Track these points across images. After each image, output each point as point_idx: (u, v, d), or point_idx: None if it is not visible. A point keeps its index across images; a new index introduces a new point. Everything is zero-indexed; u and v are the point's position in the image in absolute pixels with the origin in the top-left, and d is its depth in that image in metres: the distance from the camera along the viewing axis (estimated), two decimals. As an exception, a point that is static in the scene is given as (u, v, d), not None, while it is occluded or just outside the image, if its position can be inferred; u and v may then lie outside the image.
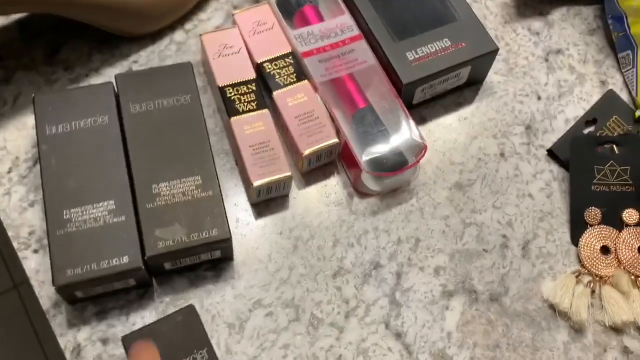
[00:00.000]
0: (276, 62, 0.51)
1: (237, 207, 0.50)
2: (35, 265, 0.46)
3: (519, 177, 0.53)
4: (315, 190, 0.51)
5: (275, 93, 0.50)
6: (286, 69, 0.51)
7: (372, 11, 0.53)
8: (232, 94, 0.50)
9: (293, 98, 0.50)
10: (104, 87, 0.49)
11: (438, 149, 0.53)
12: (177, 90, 0.49)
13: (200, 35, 0.52)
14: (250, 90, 0.50)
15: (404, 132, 0.50)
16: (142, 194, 0.45)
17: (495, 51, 0.52)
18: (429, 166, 0.52)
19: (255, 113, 0.49)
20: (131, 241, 0.44)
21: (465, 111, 0.55)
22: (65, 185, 0.45)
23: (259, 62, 0.51)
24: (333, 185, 0.51)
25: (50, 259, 0.42)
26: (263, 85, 0.51)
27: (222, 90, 0.50)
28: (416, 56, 0.51)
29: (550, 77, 0.57)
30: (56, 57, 0.54)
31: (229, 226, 0.45)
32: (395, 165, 0.49)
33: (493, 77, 0.57)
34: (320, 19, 0.54)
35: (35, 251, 0.47)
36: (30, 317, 1.25)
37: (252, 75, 0.51)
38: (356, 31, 0.53)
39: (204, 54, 0.52)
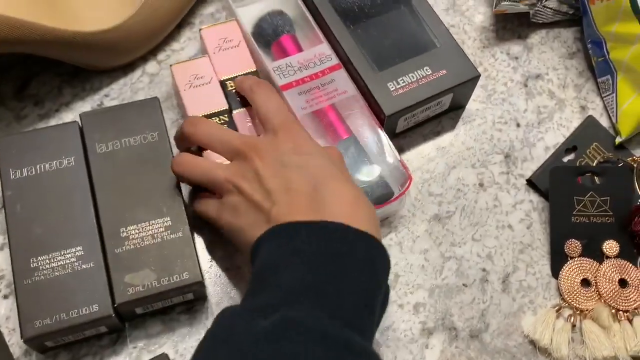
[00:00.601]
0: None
1: (212, 245, 0.49)
2: (5, 312, 0.45)
3: (498, 208, 0.52)
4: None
5: (235, 112, 0.50)
6: None
7: (350, 40, 0.52)
8: None
9: (253, 119, 0.50)
10: (70, 127, 0.47)
11: (417, 179, 0.52)
12: (144, 127, 0.48)
13: (171, 65, 0.51)
14: (223, 122, 0.49)
15: (388, 163, 0.49)
16: (111, 238, 0.44)
17: (476, 77, 0.52)
18: (407, 198, 0.52)
19: None
20: (100, 288, 0.43)
21: (444, 140, 0.54)
22: (31, 232, 0.44)
23: (221, 79, 0.51)
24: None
25: (18, 311, 0.41)
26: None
27: None
28: (397, 86, 0.50)
29: (530, 103, 0.56)
30: (25, 92, 0.53)
31: (200, 269, 0.44)
32: (381, 197, 0.48)
33: (471, 104, 0.56)
34: (299, 48, 0.53)
35: (5, 297, 0.46)
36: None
37: (224, 105, 0.50)
38: (335, 60, 0.52)
39: (174, 85, 0.51)
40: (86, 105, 0.53)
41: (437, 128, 0.55)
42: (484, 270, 0.50)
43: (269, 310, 0.34)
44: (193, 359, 0.34)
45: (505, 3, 0.56)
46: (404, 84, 0.50)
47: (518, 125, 0.55)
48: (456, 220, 0.51)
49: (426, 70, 0.51)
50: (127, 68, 0.54)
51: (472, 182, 0.53)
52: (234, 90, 0.50)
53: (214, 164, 0.45)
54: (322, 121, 0.50)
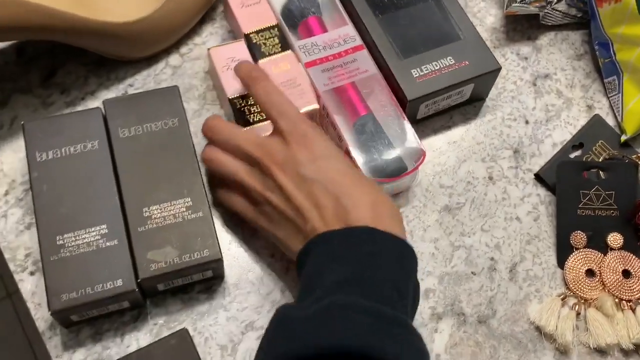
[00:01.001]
0: (262, 34, 0.54)
1: (230, 227, 0.50)
2: (31, 287, 0.47)
3: (507, 201, 0.54)
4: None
5: (260, 61, 0.53)
6: (271, 40, 0.54)
7: (378, 28, 0.55)
8: (242, 104, 0.51)
9: (277, 67, 0.53)
10: (93, 113, 0.49)
11: (428, 172, 0.54)
12: (165, 113, 0.50)
13: (208, 49, 0.54)
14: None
15: (403, 139, 0.51)
16: (134, 218, 0.46)
17: (497, 70, 0.54)
18: (418, 189, 0.53)
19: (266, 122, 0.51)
20: (124, 264, 0.44)
21: (455, 134, 0.56)
22: (57, 211, 0.45)
23: (246, 33, 0.54)
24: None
25: (45, 285, 0.43)
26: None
27: (231, 102, 0.51)
28: (421, 73, 0.53)
29: (538, 102, 0.58)
30: (52, 80, 0.55)
31: (219, 247, 0.46)
32: (395, 171, 0.50)
33: (482, 102, 0.58)
34: (324, 29, 0.56)
35: (32, 273, 0.47)
36: (23, 327, 1.25)
37: None
38: (358, 41, 0.54)
39: (212, 67, 0.54)
40: (111, 94, 0.55)
41: (449, 123, 0.56)
42: (492, 259, 0.51)
43: (316, 301, 0.38)
44: (259, 347, 0.39)
45: (516, 5, 0.58)
46: (428, 71, 0.53)
47: (527, 122, 0.57)
48: (466, 211, 0.53)
49: (449, 60, 0.53)
50: (151, 60, 0.56)
51: (482, 176, 0.54)
52: (258, 43, 0.54)
53: (240, 166, 0.47)
54: (342, 98, 0.53)
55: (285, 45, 0.54)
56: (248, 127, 0.51)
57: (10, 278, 0.48)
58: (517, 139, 0.56)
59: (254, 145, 0.46)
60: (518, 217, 0.53)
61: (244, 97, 0.52)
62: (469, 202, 0.53)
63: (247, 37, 0.54)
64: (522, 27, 0.62)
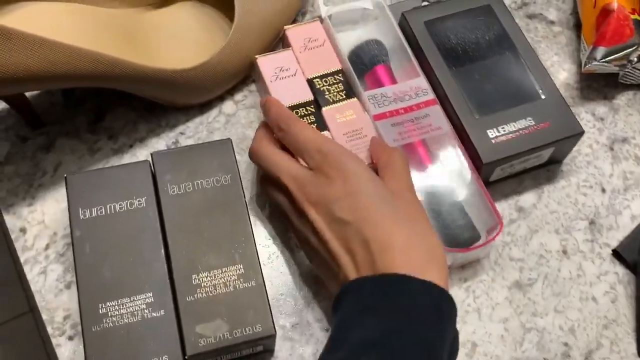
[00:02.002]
0: (326, 79, 0.51)
1: (282, 297, 0.47)
2: (69, 354, 0.44)
3: (582, 278, 0.49)
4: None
5: (324, 109, 0.50)
6: (336, 86, 0.51)
7: (452, 81, 0.51)
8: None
9: (342, 115, 0.50)
10: (141, 166, 0.46)
11: (497, 242, 0.50)
12: (216, 169, 0.46)
13: (256, 57, 0.51)
14: (309, 112, 0.50)
15: (477, 206, 0.48)
16: (182, 286, 0.42)
17: (580, 133, 0.50)
18: (487, 261, 0.49)
19: None
20: (171, 338, 0.41)
21: (526, 201, 0.52)
22: (100, 275, 0.42)
23: (309, 77, 0.51)
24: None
25: (85, 358, 0.39)
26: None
27: None
28: (498, 134, 0.49)
29: (616, 168, 0.54)
30: (100, 125, 0.52)
31: (273, 321, 0.42)
32: (467, 240, 0.47)
33: (555, 165, 0.53)
34: (393, 79, 0.53)
35: (70, 338, 0.44)
36: (44, 342, 1.23)
37: (310, 96, 0.50)
38: (431, 95, 0.51)
39: (260, 77, 0.51)
40: (161, 142, 0.51)
41: (519, 188, 0.52)
42: (566, 344, 0.47)
43: None
44: None
45: (596, 63, 0.53)
46: (505, 132, 0.49)
47: (603, 190, 0.53)
48: (538, 288, 0.48)
49: (529, 120, 0.49)
50: (204, 106, 0.53)
51: (555, 249, 0.50)
52: (322, 88, 0.51)
53: (285, 171, 0.44)
54: (411, 155, 0.49)
55: (349, 93, 0.51)
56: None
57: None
58: (593, 208, 0.52)
59: (290, 179, 0.43)
60: (594, 298, 0.49)
61: (294, 106, 0.50)
62: (541, 278, 0.49)
63: (310, 82, 0.51)
64: (598, 85, 0.58)
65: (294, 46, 0.52)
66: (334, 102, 0.50)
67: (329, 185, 0.42)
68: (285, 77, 0.51)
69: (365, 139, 0.49)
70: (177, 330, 0.41)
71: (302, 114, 0.49)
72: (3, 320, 1.24)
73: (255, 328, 0.42)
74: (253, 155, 0.46)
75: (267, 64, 0.51)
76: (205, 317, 0.42)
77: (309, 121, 0.49)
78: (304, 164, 0.44)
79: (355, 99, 0.51)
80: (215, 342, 0.41)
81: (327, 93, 0.51)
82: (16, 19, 0.45)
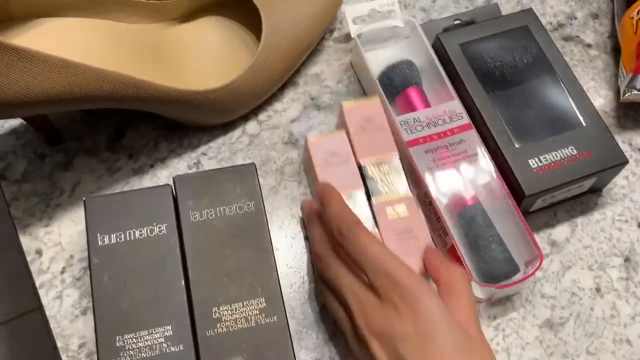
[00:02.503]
0: (381, 167, 0.46)
1: (304, 329, 0.45)
2: (82, 385, 0.42)
3: (616, 319, 0.47)
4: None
5: (375, 201, 0.45)
6: (390, 176, 0.46)
7: (489, 107, 0.49)
8: None
9: (393, 211, 0.45)
10: (162, 191, 0.44)
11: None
12: (239, 195, 0.44)
13: (306, 138, 0.47)
14: None
15: (516, 238, 0.46)
16: (202, 319, 0.41)
17: (624, 163, 0.48)
18: (517, 297, 0.47)
19: None
20: (190, 374, 0.39)
21: (559, 235, 0.50)
22: (118, 305, 0.40)
23: (361, 163, 0.46)
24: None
25: (102, 396, 0.38)
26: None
27: None
28: (540, 164, 0.47)
29: (653, 202, 0.52)
30: (120, 143, 0.50)
31: (295, 359, 0.40)
32: (506, 274, 0.45)
33: (590, 197, 0.51)
34: (426, 102, 0.51)
35: (84, 368, 0.43)
36: (52, 339, 1.23)
37: (360, 187, 0.45)
38: (466, 120, 0.49)
39: (308, 157, 0.47)
40: (182, 162, 0.50)
41: (552, 220, 0.50)
42: (598, 389, 0.45)
43: None
44: None
45: (636, 92, 0.51)
46: (547, 162, 0.47)
47: (639, 225, 0.51)
48: (570, 328, 0.47)
49: (572, 150, 0.48)
50: (228, 126, 0.51)
51: (589, 286, 0.48)
52: (374, 177, 0.46)
53: (348, 288, 0.39)
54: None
55: (404, 185, 0.46)
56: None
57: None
58: (629, 244, 0.50)
59: (354, 299, 0.39)
60: (629, 340, 0.47)
61: None
62: (573, 318, 0.47)
63: (362, 168, 0.46)
64: (635, 114, 0.55)
65: (349, 125, 0.47)
66: (387, 193, 0.45)
67: (396, 319, 0.37)
68: (336, 164, 0.46)
69: (417, 241, 0.44)
70: (196, 366, 0.40)
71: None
72: (12, 317, 1.24)
73: (277, 366, 0.40)
74: (317, 259, 0.42)
75: (318, 147, 0.47)
76: (225, 353, 0.40)
77: None
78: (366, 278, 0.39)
79: (410, 194, 0.45)
80: (235, 380, 0.40)
81: (380, 182, 0.46)
82: (37, 36, 0.44)
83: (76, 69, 0.40)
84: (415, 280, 0.37)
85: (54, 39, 0.44)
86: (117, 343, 0.40)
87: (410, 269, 0.38)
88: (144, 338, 0.40)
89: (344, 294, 0.39)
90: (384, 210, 0.45)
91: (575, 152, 0.48)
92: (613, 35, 0.59)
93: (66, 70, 0.40)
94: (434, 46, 0.53)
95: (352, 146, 0.47)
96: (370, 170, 0.46)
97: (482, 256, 0.45)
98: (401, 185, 0.46)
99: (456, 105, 0.50)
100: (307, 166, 0.49)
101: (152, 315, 0.41)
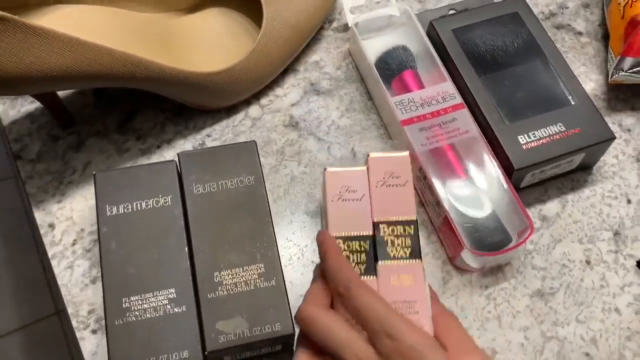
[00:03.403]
0: (394, 228, 0.42)
1: (302, 297, 0.47)
2: (92, 348, 0.44)
3: (605, 289, 0.49)
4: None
5: (380, 263, 0.41)
6: (403, 239, 0.42)
7: (481, 88, 0.52)
8: (344, 250, 0.42)
9: (398, 278, 0.41)
10: (167, 166, 0.47)
11: (519, 250, 0.50)
12: (240, 170, 0.47)
13: (325, 169, 0.44)
14: (363, 249, 0.42)
15: (508, 209, 0.48)
16: (204, 283, 0.43)
17: (612, 139, 0.50)
18: (508, 269, 0.49)
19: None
20: (192, 334, 0.41)
21: (549, 210, 0.52)
22: (125, 271, 0.43)
23: (376, 220, 0.43)
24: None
25: (108, 352, 0.40)
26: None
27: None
28: (529, 140, 0.49)
29: (643, 179, 0.53)
30: (129, 126, 0.53)
31: (292, 320, 0.42)
32: (498, 243, 0.47)
33: (580, 175, 0.53)
34: (420, 84, 0.53)
35: (94, 332, 0.45)
36: (69, 346, 1.25)
37: (369, 230, 0.42)
38: (458, 99, 0.51)
39: (323, 190, 0.45)
40: (187, 143, 0.52)
41: (543, 197, 0.52)
42: (587, 355, 0.46)
43: None
44: None
45: (624, 74, 0.53)
46: (536, 138, 0.49)
47: (629, 201, 0.52)
48: (560, 298, 0.48)
49: (560, 126, 0.50)
50: (231, 110, 0.54)
51: (579, 259, 0.50)
52: (385, 238, 0.42)
53: (349, 350, 0.35)
54: (440, 159, 0.50)
55: (416, 252, 0.42)
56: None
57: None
58: (618, 219, 0.52)
59: (353, 355, 0.35)
60: (617, 309, 0.48)
61: (348, 237, 0.42)
62: (563, 288, 0.49)
63: (376, 226, 0.42)
64: (625, 96, 0.57)
65: (371, 177, 0.43)
66: (395, 258, 0.42)
67: None
68: (349, 200, 0.43)
69: (417, 317, 0.39)
70: (197, 326, 0.42)
71: (354, 248, 0.41)
72: (30, 322, 1.27)
73: (275, 326, 0.42)
74: (302, 320, 0.37)
75: (334, 179, 0.43)
76: (226, 315, 0.42)
77: (358, 260, 0.41)
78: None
79: (419, 262, 0.41)
80: (234, 339, 0.42)
81: (389, 245, 0.42)
82: (53, 20, 0.47)
83: (88, 47, 0.43)
84: (419, 339, 0.34)
85: (68, 23, 0.47)
86: (124, 304, 0.42)
87: (415, 326, 0.35)
88: (148, 300, 0.42)
89: (346, 357, 0.35)
90: (388, 277, 0.41)
91: (563, 128, 0.50)
92: (603, 23, 0.61)
93: (78, 48, 0.43)
94: (428, 32, 0.55)
95: (370, 200, 0.43)
96: (383, 231, 0.42)
97: (477, 227, 0.47)
98: (412, 250, 0.42)
99: (449, 86, 0.52)
100: (322, 198, 0.47)
101: (156, 279, 0.43)
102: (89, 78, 0.44)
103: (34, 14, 0.46)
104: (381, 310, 0.35)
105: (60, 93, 0.51)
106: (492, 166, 0.49)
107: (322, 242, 0.40)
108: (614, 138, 0.50)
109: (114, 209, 0.45)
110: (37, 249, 1.37)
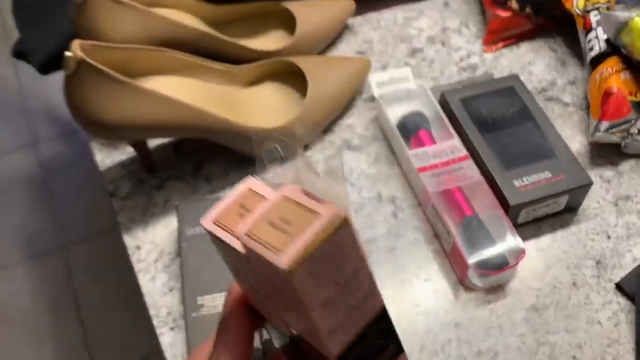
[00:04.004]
0: None
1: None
2: (170, 340, 0.55)
3: (589, 306, 0.59)
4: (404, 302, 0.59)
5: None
6: None
7: (483, 143, 0.64)
8: None
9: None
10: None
11: (518, 275, 0.60)
12: None
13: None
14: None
15: (505, 238, 0.59)
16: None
17: (589, 184, 0.62)
18: (508, 289, 0.60)
19: None
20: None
21: (543, 243, 0.63)
22: (199, 276, 0.55)
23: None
24: (426, 297, 0.59)
25: (187, 338, 0.51)
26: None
27: None
28: (522, 183, 0.61)
29: (620, 220, 0.64)
30: (200, 172, 0.66)
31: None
32: (497, 265, 0.57)
33: (568, 216, 0.64)
34: (433, 141, 0.65)
35: (172, 329, 0.56)
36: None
37: None
38: (464, 152, 0.63)
39: None
40: (246, 186, 0.65)
41: (537, 232, 0.63)
42: (574, 357, 0.56)
43: None
44: None
45: (600, 134, 0.65)
46: (528, 182, 0.61)
47: (609, 237, 0.63)
48: (551, 312, 0.58)
49: (547, 173, 0.62)
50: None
51: (567, 281, 0.60)
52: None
53: None
54: (449, 199, 0.61)
55: None
56: None
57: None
58: (600, 251, 0.62)
59: None
60: (599, 322, 0.58)
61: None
62: (554, 304, 0.59)
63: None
64: (605, 153, 0.69)
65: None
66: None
67: None
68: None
69: None
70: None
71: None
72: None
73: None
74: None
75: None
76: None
77: None
78: None
79: None
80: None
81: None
82: (153, 85, 0.61)
83: (177, 104, 0.57)
84: None
85: (160, 88, 0.61)
86: (198, 302, 0.54)
87: None
88: (218, 298, 0.54)
89: None
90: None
91: (550, 175, 0.62)
92: (587, 97, 0.74)
93: (166, 103, 0.56)
94: (440, 101, 0.69)
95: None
96: None
97: (479, 252, 0.58)
98: None
99: (456, 142, 0.64)
100: None
101: (225, 283, 0.55)
102: (175, 129, 0.58)
103: (139, 80, 0.61)
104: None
105: (149, 143, 0.65)
106: (493, 205, 0.61)
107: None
108: (591, 183, 0.62)
109: (192, 230, 0.57)
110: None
